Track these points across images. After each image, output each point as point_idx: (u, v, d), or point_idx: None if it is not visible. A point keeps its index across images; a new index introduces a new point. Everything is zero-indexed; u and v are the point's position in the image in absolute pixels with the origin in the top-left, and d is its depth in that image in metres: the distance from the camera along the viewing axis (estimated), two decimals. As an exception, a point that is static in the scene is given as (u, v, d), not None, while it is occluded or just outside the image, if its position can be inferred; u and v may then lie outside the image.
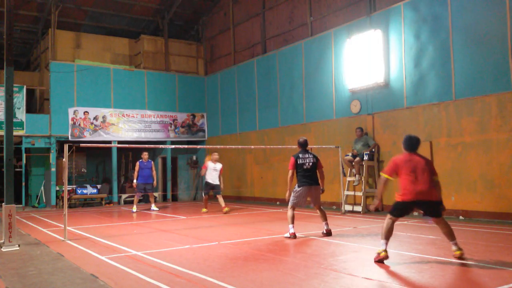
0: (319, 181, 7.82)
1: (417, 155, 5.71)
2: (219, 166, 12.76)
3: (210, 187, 12.75)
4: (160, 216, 11.92)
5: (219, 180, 12.72)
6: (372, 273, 4.95)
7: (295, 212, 7.69)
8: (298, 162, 7.66)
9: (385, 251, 5.43)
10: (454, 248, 5.59)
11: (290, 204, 7.71)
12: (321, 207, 7.85)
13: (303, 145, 7.89)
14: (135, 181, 13.32)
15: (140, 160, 13.44)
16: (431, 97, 10.40)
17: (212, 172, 12.67)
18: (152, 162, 13.72)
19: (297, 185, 7.70)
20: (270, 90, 15.25)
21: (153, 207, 13.62)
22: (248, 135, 16.15)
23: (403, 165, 5.60)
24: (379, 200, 6.16)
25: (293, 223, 7.56)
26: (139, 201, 14.97)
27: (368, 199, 11.62)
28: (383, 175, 5.69)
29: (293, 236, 7.44)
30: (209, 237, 7.79)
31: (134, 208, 13.10)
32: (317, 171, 7.81)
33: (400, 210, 5.62)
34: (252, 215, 11.54)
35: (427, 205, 5.56)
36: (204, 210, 12.72)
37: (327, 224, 7.73)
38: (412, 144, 5.75)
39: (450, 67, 10.01)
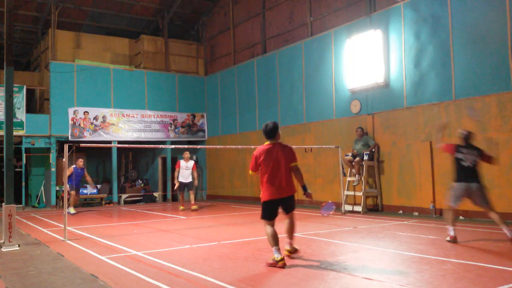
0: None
1: None
2: (191, 163, 13.31)
3: (183, 185, 13.37)
4: (160, 216, 11.92)
5: (193, 177, 13.29)
6: (372, 273, 4.94)
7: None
8: None
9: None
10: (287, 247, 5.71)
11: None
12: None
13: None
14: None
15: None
16: (431, 97, 10.39)
17: (185, 171, 13.26)
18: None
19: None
20: (270, 90, 15.25)
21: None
22: (248, 135, 16.15)
23: None
24: None
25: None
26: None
27: (368, 199, 11.62)
28: None
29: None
30: (209, 237, 7.78)
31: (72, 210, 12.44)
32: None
33: None
34: (252, 215, 11.54)
35: None
36: (181, 208, 13.31)
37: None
38: None
39: (450, 67, 10.01)
